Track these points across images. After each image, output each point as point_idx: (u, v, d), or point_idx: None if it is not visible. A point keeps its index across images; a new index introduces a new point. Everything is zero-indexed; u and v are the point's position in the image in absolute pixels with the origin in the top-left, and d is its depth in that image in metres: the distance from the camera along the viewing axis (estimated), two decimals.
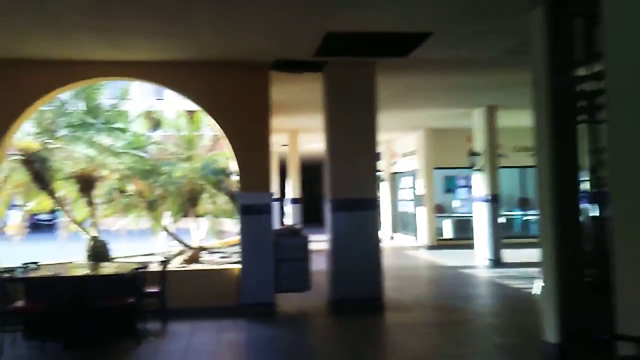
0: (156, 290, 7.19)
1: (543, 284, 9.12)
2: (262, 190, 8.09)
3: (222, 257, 11.11)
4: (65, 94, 9.68)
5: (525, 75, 9.97)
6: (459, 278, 11.31)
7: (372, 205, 8.23)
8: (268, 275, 7.98)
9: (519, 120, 14.39)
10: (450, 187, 18.90)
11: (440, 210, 17.69)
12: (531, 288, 9.41)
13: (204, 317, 7.63)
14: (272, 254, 8.00)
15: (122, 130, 10.53)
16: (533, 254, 14.30)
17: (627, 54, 3.83)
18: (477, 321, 7.58)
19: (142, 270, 6.77)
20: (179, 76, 8.13)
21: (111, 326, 6.57)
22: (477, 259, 13.12)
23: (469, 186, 18.13)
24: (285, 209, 19.53)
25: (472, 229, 17.97)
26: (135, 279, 6.61)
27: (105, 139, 10.47)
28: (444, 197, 18.49)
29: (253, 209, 8.02)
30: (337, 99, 8.29)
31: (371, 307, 7.98)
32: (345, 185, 8.19)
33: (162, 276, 7.27)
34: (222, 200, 13.18)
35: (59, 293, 6.39)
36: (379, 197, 8.43)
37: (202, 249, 11.37)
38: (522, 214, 18.28)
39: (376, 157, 8.39)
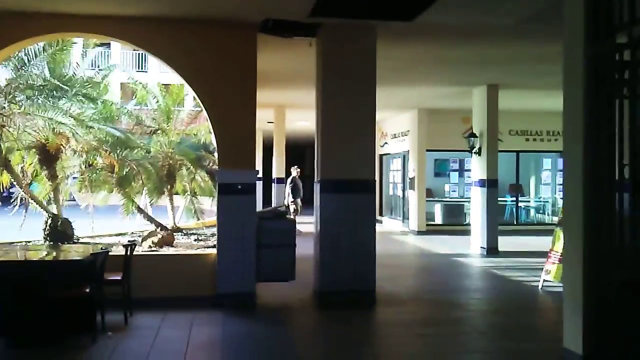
0: (118, 277, 6.28)
1: (546, 279, 8.48)
2: (245, 167, 7.18)
3: (198, 240, 10.23)
4: (26, 54, 8.60)
5: (535, 49, 9.19)
6: (454, 268, 10.54)
7: (367, 187, 7.37)
8: (249, 262, 7.12)
9: (516, 101, 13.66)
10: (440, 170, 18.17)
11: (430, 194, 16.93)
12: (533, 282, 8.70)
13: (175, 309, 6.76)
14: (254, 238, 7.13)
15: (92, 99, 9.46)
16: (527, 243, 13.89)
17: None
18: (481, 320, 6.77)
19: (102, 254, 5.85)
20: (153, 35, 7.14)
21: (63, 320, 5.65)
22: (471, 247, 12.38)
23: (461, 170, 17.46)
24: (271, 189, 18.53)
25: (464, 215, 17.44)
26: (93, 265, 5.70)
27: (72, 107, 9.39)
28: (434, 180, 17.76)
29: (234, 188, 7.11)
30: (333, 68, 7.36)
31: (362, 301, 7.18)
32: (338, 165, 7.31)
33: (127, 261, 6.36)
34: (202, 177, 12.29)
35: (2, 282, 5.46)
36: (374, 179, 7.57)
37: (177, 230, 10.46)
38: (513, 201, 17.62)
39: (374, 134, 7.51)
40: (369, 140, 7.46)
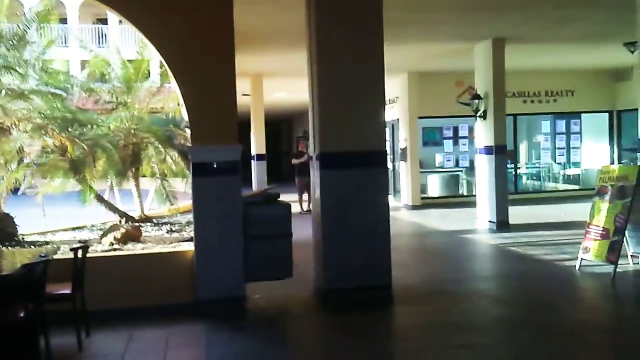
0: (67, 290, 4.81)
1: (584, 258, 7.27)
2: (226, 141, 5.73)
3: (171, 231, 8.74)
4: None
5: None
6: (468, 247, 9.30)
7: (378, 160, 5.98)
8: (235, 258, 5.71)
9: (514, 59, 12.19)
10: (429, 139, 16.78)
11: (420, 165, 15.59)
12: (565, 261, 7.52)
13: (145, 323, 5.35)
14: (240, 229, 5.71)
15: (31, 66, 7.77)
16: (534, 214, 12.71)
17: None
18: (533, 319, 5.24)
19: (40, 264, 4.37)
20: None
21: None
22: (477, 221, 11.15)
23: (455, 137, 16.14)
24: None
25: (459, 186, 16.23)
26: (28, 279, 4.23)
27: (4, 77, 7.70)
28: (423, 150, 16.36)
29: (212, 168, 5.67)
30: (329, 13, 5.90)
31: (376, 299, 5.85)
32: (341, 134, 5.89)
33: (77, 269, 4.89)
34: (173, 158, 10.76)
35: None
36: (385, 149, 6.19)
37: (146, 219, 8.95)
38: (509, 168, 16.37)
39: (383, 95, 6.10)
40: (378, 102, 6.05)
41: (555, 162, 16.82)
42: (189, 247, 6.09)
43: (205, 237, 5.69)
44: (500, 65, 10.62)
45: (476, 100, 11.00)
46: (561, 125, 16.46)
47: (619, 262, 6.54)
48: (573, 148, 16.59)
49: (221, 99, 5.76)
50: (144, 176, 10.52)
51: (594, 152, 16.45)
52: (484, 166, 10.99)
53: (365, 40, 5.99)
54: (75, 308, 4.86)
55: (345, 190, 5.86)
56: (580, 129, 16.47)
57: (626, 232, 6.76)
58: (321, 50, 5.91)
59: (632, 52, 10.40)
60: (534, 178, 17.32)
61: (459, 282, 6.81)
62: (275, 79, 14.68)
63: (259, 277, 5.88)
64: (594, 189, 15.74)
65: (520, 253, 8.37)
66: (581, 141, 16.53)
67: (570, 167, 16.81)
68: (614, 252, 6.64)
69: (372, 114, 5.99)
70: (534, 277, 6.91)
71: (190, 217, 8.35)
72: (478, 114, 11.01)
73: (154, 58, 11.92)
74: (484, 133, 11.01)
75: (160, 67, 10.70)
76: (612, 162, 15.57)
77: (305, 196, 12.88)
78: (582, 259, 7.07)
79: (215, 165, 5.66)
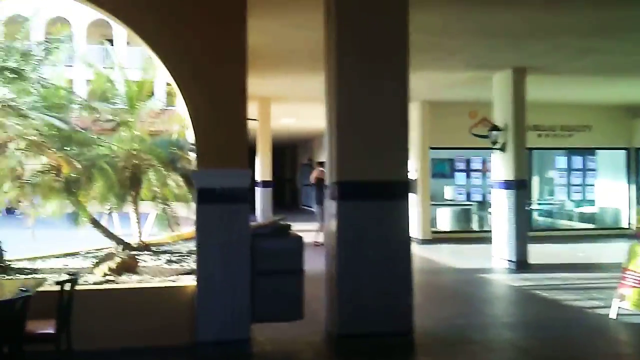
0: (51, 330, 4.24)
1: (621, 306, 6.64)
2: (234, 165, 5.22)
3: (171, 261, 8.17)
4: None
5: (584, 18, 7.46)
6: (488, 289, 8.68)
7: (400, 192, 5.46)
8: (240, 296, 5.14)
9: (532, 91, 11.80)
10: (438, 171, 16.24)
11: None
12: (597, 308, 6.92)
13: None
14: (247, 263, 5.16)
15: (28, 79, 7.32)
16: (553, 253, 12.11)
17: None
18: None
19: (18, 301, 3.81)
20: None
21: None
22: (493, 259, 10.54)
23: (468, 170, 15.63)
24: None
25: (471, 220, 15.63)
26: (7, 316, 3.68)
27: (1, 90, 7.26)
28: (431, 182, 15.80)
29: (218, 195, 5.15)
30: (351, 35, 5.47)
31: (395, 347, 5.27)
32: (362, 162, 5.39)
33: (63, 306, 4.31)
34: (176, 182, 10.25)
35: None
36: (408, 180, 5.67)
37: (144, 247, 8.37)
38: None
39: (407, 123, 5.62)
40: (402, 130, 5.57)
41: (569, 199, 16.28)
42: (190, 280, 5.53)
43: (209, 271, 5.14)
44: (521, 96, 10.17)
45: (494, 132, 10.51)
46: (577, 161, 15.97)
47: None
48: (588, 185, 16.06)
49: (231, 118, 5.29)
50: (144, 199, 9.98)
51: (610, 190, 15.91)
52: (502, 201, 10.44)
53: (389, 62, 5.55)
54: (60, 349, 4.29)
55: (364, 222, 5.32)
56: (596, 165, 15.99)
57: None
58: (342, 74, 5.44)
59: None
60: (547, 215, 16.75)
61: (482, 329, 6.21)
62: (284, 104, 14.29)
63: (266, 318, 5.30)
64: (608, 228, 15.26)
65: (546, 297, 7.76)
66: (597, 178, 16.02)
67: (584, 205, 16.25)
68: None
69: (396, 141, 5.50)
70: (565, 326, 6.29)
71: (191, 245, 7.82)
72: (496, 147, 10.52)
73: (158, 77, 11.54)
74: (502, 166, 10.49)
75: (167, 86, 10.29)
76: (630, 202, 15.04)
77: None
78: (618, 307, 6.46)
79: (221, 191, 5.15)
